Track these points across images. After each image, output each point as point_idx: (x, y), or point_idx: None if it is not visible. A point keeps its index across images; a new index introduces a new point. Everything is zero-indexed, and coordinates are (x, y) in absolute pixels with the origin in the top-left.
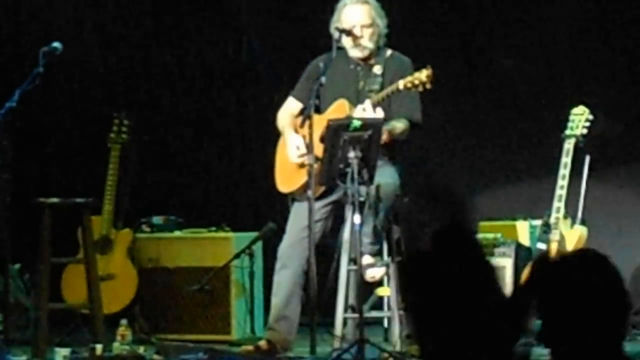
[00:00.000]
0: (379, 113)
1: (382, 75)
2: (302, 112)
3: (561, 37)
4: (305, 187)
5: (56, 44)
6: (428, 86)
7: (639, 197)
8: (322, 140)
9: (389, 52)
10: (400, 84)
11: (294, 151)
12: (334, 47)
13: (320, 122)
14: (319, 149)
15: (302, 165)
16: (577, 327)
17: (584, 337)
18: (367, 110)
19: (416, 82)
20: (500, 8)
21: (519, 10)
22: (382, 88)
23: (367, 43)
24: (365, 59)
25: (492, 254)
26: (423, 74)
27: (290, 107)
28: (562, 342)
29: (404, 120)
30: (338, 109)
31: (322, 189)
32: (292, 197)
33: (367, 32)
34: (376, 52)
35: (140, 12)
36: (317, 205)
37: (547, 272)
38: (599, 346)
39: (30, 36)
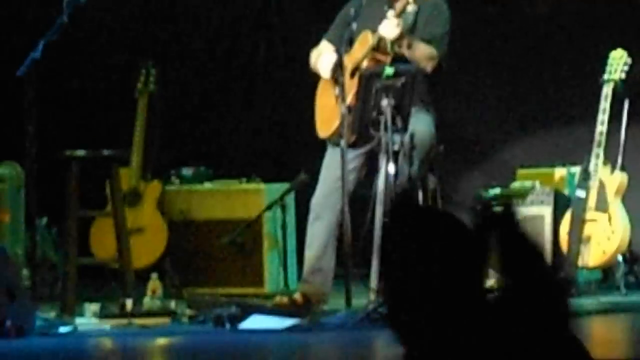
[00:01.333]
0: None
1: (415, 14)
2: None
3: None
4: (340, 133)
5: None
6: None
7: None
8: (353, 74)
9: None
10: None
11: (328, 66)
12: None
13: (348, 60)
14: (351, 86)
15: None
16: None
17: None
18: (391, 21)
19: None
20: None
21: None
22: (414, 27)
23: None
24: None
25: (527, 202)
26: None
27: (324, 49)
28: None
29: (429, 46)
30: (362, 41)
31: (354, 137)
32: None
33: None
34: None
35: None
36: (351, 154)
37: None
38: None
39: None
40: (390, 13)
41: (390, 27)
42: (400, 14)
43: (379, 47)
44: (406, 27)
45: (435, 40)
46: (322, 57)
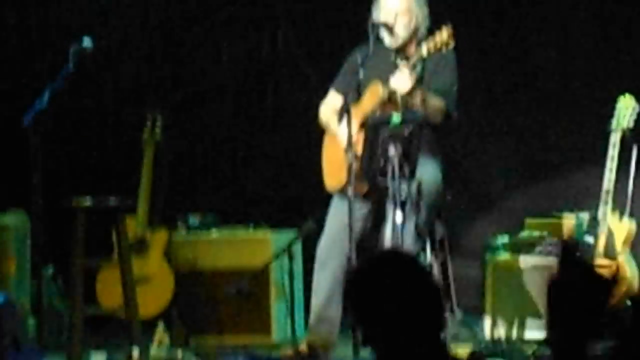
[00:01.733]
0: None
1: (423, 61)
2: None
3: (605, 25)
4: (348, 184)
5: (86, 41)
6: (451, 45)
7: None
8: (362, 126)
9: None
10: (424, 49)
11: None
12: (371, 39)
13: (357, 110)
14: (360, 140)
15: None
16: (394, 326)
17: (402, 336)
18: (403, 74)
19: (439, 44)
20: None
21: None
22: (422, 79)
23: (401, 31)
24: (404, 51)
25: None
26: (444, 33)
27: (332, 101)
28: (382, 342)
29: (439, 98)
30: (372, 93)
31: (366, 188)
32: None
33: (402, 20)
34: (417, 44)
35: (172, 8)
36: (357, 203)
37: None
38: (418, 343)
39: (61, 34)
40: (403, 64)
41: (403, 80)
42: (414, 66)
43: (389, 99)
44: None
45: (445, 92)
46: (339, 129)
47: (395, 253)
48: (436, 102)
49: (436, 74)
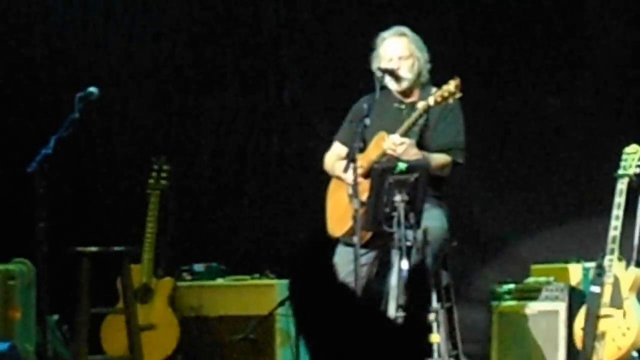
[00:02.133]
0: (410, 140)
1: (427, 112)
2: (348, 156)
3: (611, 73)
4: (353, 231)
5: (92, 89)
6: (458, 96)
7: None
8: (367, 175)
9: (433, 89)
10: (431, 100)
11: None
12: (377, 87)
13: (363, 159)
14: (364, 187)
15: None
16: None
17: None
18: (396, 142)
19: (445, 94)
20: (547, 45)
21: (566, 47)
22: (426, 125)
23: (406, 74)
24: (408, 96)
25: (541, 298)
26: (451, 85)
27: (337, 151)
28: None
29: (443, 155)
30: (378, 143)
31: (369, 235)
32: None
33: (406, 63)
34: (420, 89)
35: (178, 55)
36: (362, 250)
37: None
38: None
39: (66, 81)
40: (395, 136)
41: (406, 153)
42: (407, 131)
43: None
44: (420, 126)
45: (451, 143)
46: (345, 176)
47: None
48: (440, 160)
49: (443, 121)
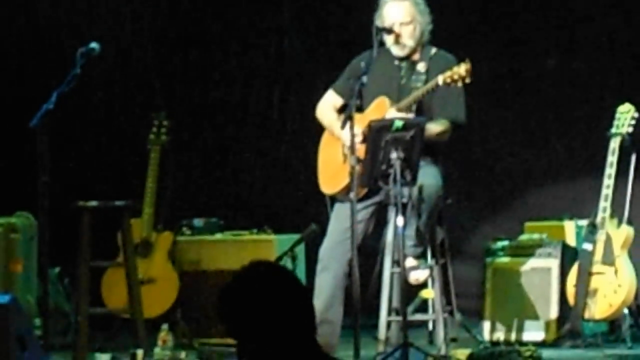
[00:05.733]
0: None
1: (426, 72)
2: (342, 109)
3: (605, 34)
4: (348, 188)
5: (93, 45)
6: (467, 80)
7: None
8: (364, 139)
9: (433, 50)
10: (440, 79)
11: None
12: (375, 45)
13: (361, 121)
14: (361, 151)
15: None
16: (267, 337)
17: (276, 346)
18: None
19: (455, 76)
20: (543, 7)
21: (563, 9)
22: (427, 80)
23: (408, 41)
24: (408, 56)
25: (534, 255)
26: (462, 68)
27: (331, 100)
28: (257, 355)
29: (443, 121)
30: (378, 107)
31: (365, 190)
32: (332, 199)
33: (407, 29)
34: (421, 49)
35: (179, 12)
36: (359, 206)
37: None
38: (293, 353)
39: (68, 36)
40: (392, 110)
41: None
42: (410, 105)
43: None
44: (418, 87)
45: (455, 111)
46: (342, 134)
47: (266, 264)
48: (436, 129)
49: (445, 102)
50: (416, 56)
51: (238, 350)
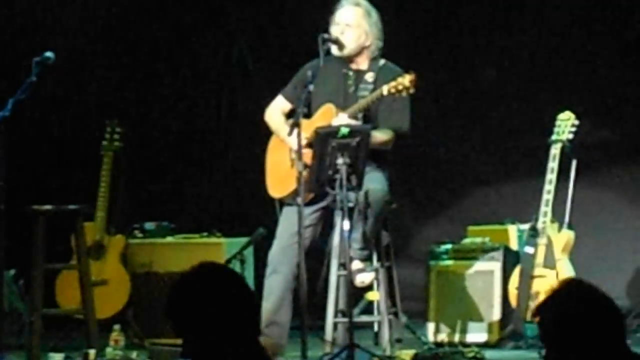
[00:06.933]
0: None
1: (374, 82)
2: (291, 114)
3: (545, 43)
4: (296, 193)
5: (48, 54)
6: (412, 91)
7: (625, 200)
8: (310, 145)
9: (382, 61)
10: (384, 89)
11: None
12: (321, 53)
13: (308, 127)
14: (307, 156)
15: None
16: (212, 337)
17: (221, 346)
18: (343, 122)
19: (400, 87)
20: (484, 17)
21: (503, 19)
22: (374, 89)
23: (348, 42)
24: (350, 61)
25: (477, 258)
26: (406, 79)
27: (280, 105)
28: (202, 354)
29: (387, 131)
30: (325, 114)
31: (312, 195)
32: (281, 202)
33: (350, 32)
34: (370, 61)
35: (131, 20)
36: (307, 210)
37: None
38: (237, 352)
39: (23, 45)
40: (343, 115)
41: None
42: (355, 113)
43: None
44: (365, 95)
45: (400, 121)
46: (290, 141)
47: (213, 266)
48: (382, 138)
49: (391, 112)
50: (364, 65)
51: (183, 349)
